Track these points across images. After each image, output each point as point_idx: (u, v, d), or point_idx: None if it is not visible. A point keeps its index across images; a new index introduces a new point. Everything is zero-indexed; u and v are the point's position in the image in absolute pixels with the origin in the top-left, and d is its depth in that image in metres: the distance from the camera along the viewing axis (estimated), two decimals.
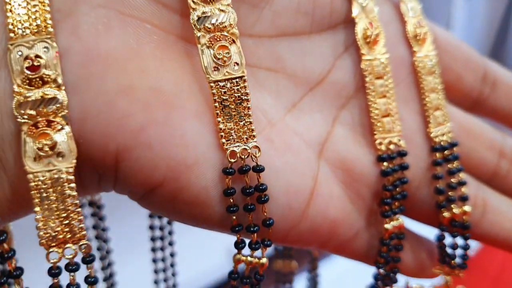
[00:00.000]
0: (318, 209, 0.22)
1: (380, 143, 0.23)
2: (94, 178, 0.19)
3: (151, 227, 0.32)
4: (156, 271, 0.34)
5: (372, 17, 0.23)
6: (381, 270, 0.24)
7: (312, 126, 0.22)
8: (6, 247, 0.18)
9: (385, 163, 0.23)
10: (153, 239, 0.32)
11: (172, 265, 0.35)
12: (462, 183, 0.24)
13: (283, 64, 0.22)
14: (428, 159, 0.24)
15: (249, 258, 0.21)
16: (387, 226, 0.23)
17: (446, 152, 0.24)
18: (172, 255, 0.35)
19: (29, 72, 0.18)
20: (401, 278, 0.25)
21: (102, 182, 0.20)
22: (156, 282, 0.36)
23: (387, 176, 0.23)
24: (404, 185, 0.23)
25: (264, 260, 0.21)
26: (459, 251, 0.25)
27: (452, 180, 0.24)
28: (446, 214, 0.24)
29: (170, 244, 0.33)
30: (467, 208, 0.24)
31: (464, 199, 0.24)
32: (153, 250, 0.33)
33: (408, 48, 0.24)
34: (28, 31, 0.18)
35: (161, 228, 0.32)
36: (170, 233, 0.33)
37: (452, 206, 0.24)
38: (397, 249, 0.24)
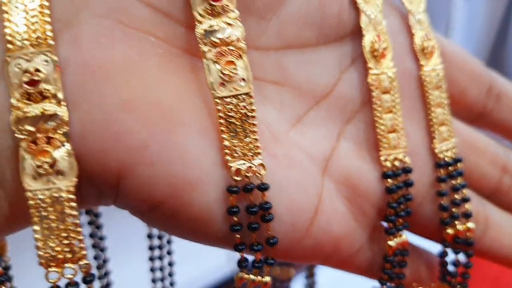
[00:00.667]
0: (321, 226, 0.21)
1: (386, 160, 0.23)
2: (93, 193, 0.19)
3: (149, 236, 0.32)
4: (154, 281, 0.33)
5: (380, 29, 0.23)
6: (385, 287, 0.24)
7: (317, 141, 0.22)
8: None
9: (390, 180, 0.22)
10: (151, 248, 0.32)
11: (170, 275, 0.35)
12: (465, 200, 0.24)
13: (289, 77, 0.22)
14: (432, 175, 0.24)
15: (251, 277, 0.20)
16: (391, 243, 0.23)
17: (450, 168, 0.24)
18: (170, 264, 0.35)
19: (28, 87, 0.17)
20: None
21: (102, 197, 0.19)
22: None
23: (392, 193, 0.22)
24: (408, 202, 0.23)
25: (267, 278, 0.20)
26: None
27: (456, 196, 0.24)
28: (449, 230, 0.24)
29: (169, 253, 0.32)
30: (470, 225, 0.24)
31: (467, 215, 0.24)
32: (151, 259, 0.32)
33: (415, 62, 0.24)
34: (27, 42, 0.17)
35: (160, 237, 0.32)
36: (169, 242, 0.32)
37: (456, 222, 0.24)
38: (401, 265, 0.24)
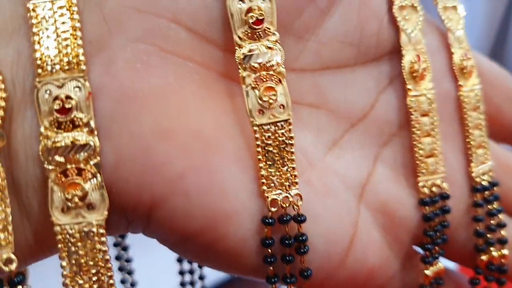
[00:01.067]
0: (357, 257, 0.20)
1: (424, 186, 0.22)
2: (123, 223, 0.18)
3: (179, 260, 0.31)
4: None
5: (419, 49, 0.22)
6: None
7: (353, 166, 0.21)
8: None
9: (427, 208, 0.21)
10: (181, 272, 0.31)
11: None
12: (501, 225, 0.23)
13: (325, 99, 0.21)
14: (468, 200, 0.23)
15: None
16: (427, 272, 0.22)
17: (486, 192, 0.23)
18: None
19: (58, 115, 0.16)
20: None
21: (131, 227, 0.18)
22: None
23: (429, 221, 0.21)
24: (445, 229, 0.22)
25: None
26: None
27: (492, 222, 0.23)
28: (484, 257, 0.23)
29: (201, 278, 0.31)
30: (505, 251, 0.23)
31: (503, 242, 0.23)
32: (182, 284, 0.31)
33: (454, 82, 0.23)
34: (58, 67, 0.16)
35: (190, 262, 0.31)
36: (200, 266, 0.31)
37: (491, 249, 0.23)
38: None
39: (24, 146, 0.16)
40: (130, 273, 0.30)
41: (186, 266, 0.31)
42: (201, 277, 0.32)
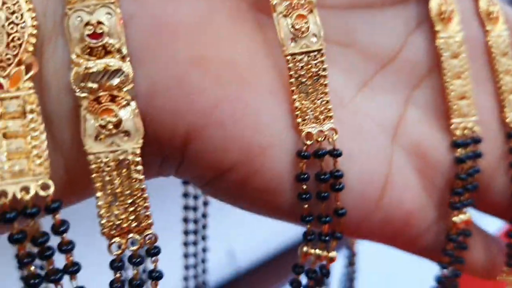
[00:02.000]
0: (392, 198, 0.20)
1: (456, 128, 0.21)
2: (157, 160, 0.17)
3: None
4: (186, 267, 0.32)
5: None
6: (445, 271, 0.22)
7: (384, 108, 0.21)
8: (58, 219, 0.15)
9: (460, 150, 0.21)
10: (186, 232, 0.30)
11: (203, 261, 0.34)
12: None
13: (355, 38, 0.20)
14: (503, 147, 0.22)
15: (317, 251, 0.19)
16: (455, 219, 0.21)
17: None
18: (204, 250, 0.34)
19: (90, 40, 0.16)
20: None
21: (164, 165, 0.18)
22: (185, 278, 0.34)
23: (461, 163, 0.21)
24: (477, 174, 0.21)
25: (333, 253, 0.19)
26: None
27: None
28: None
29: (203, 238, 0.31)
30: None
31: None
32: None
33: (481, 27, 0.23)
34: None
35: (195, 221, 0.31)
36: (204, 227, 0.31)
37: None
38: (462, 247, 0.22)
39: (56, 77, 0.16)
40: None
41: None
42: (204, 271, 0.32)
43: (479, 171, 0.21)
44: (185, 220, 0.32)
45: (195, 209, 0.32)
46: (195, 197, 0.31)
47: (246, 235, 0.58)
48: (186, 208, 0.31)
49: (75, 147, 0.16)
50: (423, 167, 0.21)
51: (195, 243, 0.33)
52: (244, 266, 0.61)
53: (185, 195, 0.31)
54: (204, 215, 0.32)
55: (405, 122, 0.21)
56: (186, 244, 0.33)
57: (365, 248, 0.38)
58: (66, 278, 0.16)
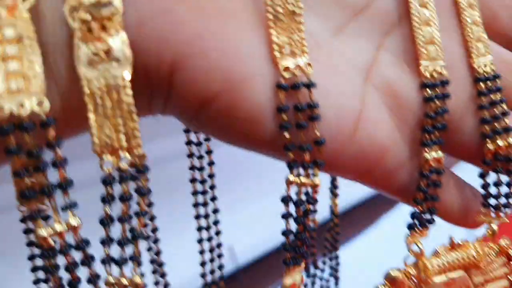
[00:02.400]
0: (366, 132, 0.21)
1: (425, 70, 0.23)
2: (145, 93, 0.19)
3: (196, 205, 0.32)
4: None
5: None
6: (420, 207, 0.24)
7: (359, 51, 0.22)
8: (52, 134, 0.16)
9: (428, 90, 0.22)
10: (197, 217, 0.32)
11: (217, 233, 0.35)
12: (506, 114, 0.24)
13: None
14: (471, 90, 0.24)
15: (302, 179, 0.20)
16: (426, 155, 0.23)
17: (489, 82, 0.24)
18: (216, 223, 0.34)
19: None
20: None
21: (153, 100, 0.19)
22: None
23: (430, 102, 0.22)
24: (445, 114, 0.23)
25: (317, 180, 0.20)
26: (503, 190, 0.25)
27: (496, 111, 0.24)
28: (490, 146, 0.24)
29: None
30: (511, 140, 0.24)
31: (508, 130, 0.24)
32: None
33: None
34: None
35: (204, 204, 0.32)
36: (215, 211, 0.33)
37: (497, 137, 0.24)
38: (436, 185, 0.24)
39: (51, 9, 0.17)
40: (158, 254, 0.32)
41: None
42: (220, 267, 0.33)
43: (447, 111, 0.23)
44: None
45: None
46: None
47: (246, 232, 0.58)
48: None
49: (70, 76, 0.17)
50: (394, 106, 0.22)
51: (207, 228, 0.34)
52: (244, 262, 0.61)
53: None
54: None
55: (378, 64, 0.22)
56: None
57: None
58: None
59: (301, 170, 0.20)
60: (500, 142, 0.24)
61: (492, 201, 0.25)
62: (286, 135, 0.20)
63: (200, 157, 0.31)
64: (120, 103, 0.17)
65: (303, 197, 0.21)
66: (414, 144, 0.23)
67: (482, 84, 0.24)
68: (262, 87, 0.19)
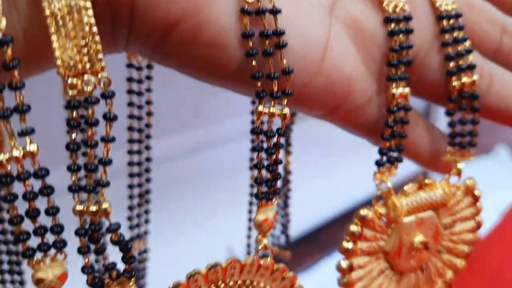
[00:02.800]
0: (333, 63, 0.21)
1: (387, 5, 0.23)
2: (108, 19, 0.18)
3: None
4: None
5: None
6: (388, 143, 0.24)
7: None
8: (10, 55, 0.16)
9: (392, 24, 0.23)
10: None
11: None
12: (469, 51, 0.25)
13: None
14: (434, 28, 0.24)
15: (271, 109, 0.20)
16: (393, 91, 0.23)
17: (451, 21, 0.24)
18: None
19: None
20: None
21: (116, 29, 0.19)
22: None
23: (394, 36, 0.23)
24: (410, 49, 0.23)
25: (286, 110, 0.20)
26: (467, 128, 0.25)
27: (459, 48, 0.24)
28: (455, 83, 0.24)
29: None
30: (475, 77, 0.24)
31: (471, 67, 0.24)
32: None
33: None
34: None
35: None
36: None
37: (462, 75, 0.24)
38: (403, 122, 0.24)
39: None
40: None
41: None
42: None
43: (412, 46, 0.23)
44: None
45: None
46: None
47: (245, 232, 0.58)
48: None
49: (30, 5, 0.17)
50: (360, 40, 0.23)
51: None
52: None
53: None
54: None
55: (341, 0, 0.23)
56: None
57: None
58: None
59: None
60: (465, 79, 0.24)
61: (458, 140, 0.25)
62: (253, 62, 0.20)
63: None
64: (81, 23, 0.17)
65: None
66: (381, 80, 0.23)
67: (444, 22, 0.24)
68: (226, 11, 0.19)
